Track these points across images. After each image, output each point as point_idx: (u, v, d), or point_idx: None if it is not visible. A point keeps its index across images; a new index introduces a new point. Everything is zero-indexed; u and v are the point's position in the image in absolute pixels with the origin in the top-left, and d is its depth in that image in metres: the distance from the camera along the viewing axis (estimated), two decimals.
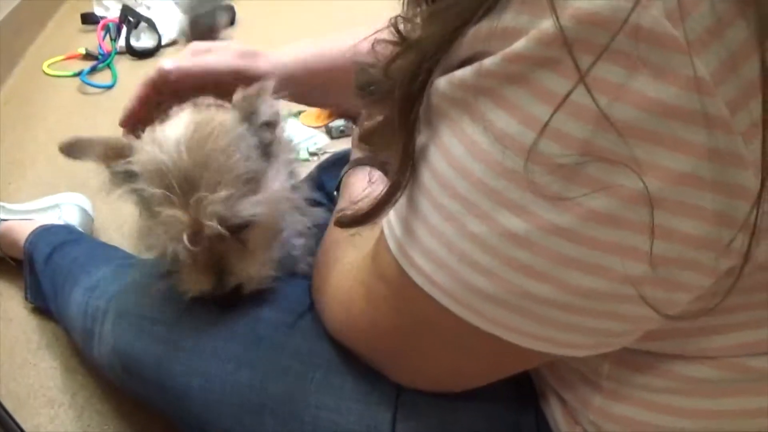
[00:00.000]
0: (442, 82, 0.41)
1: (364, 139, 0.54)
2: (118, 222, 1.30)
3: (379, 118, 0.49)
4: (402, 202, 0.46)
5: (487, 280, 0.41)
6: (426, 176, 0.43)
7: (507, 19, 0.36)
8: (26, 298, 1.12)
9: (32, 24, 2.07)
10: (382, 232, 0.50)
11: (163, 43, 1.97)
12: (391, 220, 0.48)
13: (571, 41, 0.33)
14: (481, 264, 0.40)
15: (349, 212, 0.50)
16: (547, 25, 0.34)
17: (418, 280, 0.45)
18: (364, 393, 0.60)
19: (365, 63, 0.49)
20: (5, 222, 1.18)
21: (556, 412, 0.56)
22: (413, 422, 0.59)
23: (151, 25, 1.98)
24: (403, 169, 0.44)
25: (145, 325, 0.70)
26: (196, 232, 0.63)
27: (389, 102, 0.44)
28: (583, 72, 0.33)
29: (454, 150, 0.40)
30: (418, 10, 0.45)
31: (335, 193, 0.79)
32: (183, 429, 0.73)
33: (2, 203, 1.24)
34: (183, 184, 0.63)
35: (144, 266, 0.81)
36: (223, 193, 0.63)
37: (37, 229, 1.11)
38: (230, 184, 0.63)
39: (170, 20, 2.02)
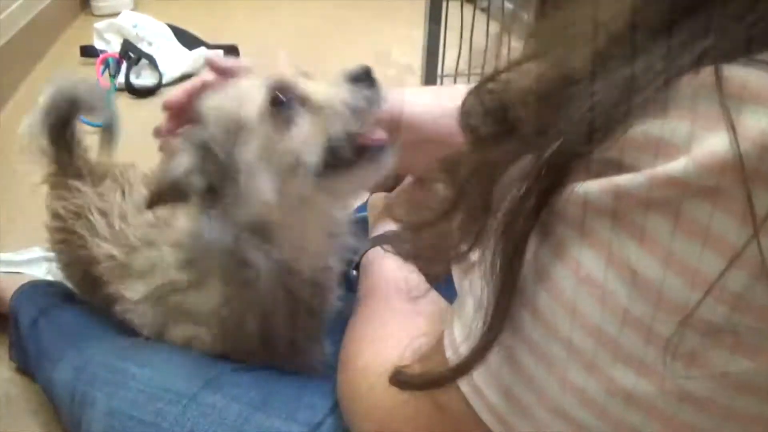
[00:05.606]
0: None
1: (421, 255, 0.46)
2: None
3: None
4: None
5: None
6: (527, 319, 0.36)
7: (656, 127, 0.29)
8: (10, 358, 1.05)
9: (28, 56, 2.02)
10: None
11: (164, 82, 1.91)
12: (476, 379, 0.39)
13: (751, 174, 0.26)
14: (579, 420, 0.34)
15: (416, 374, 0.42)
16: (718, 145, 0.26)
17: None
18: None
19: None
20: None
21: None
22: None
23: (153, 63, 1.93)
24: (499, 319, 0.36)
25: (137, 429, 0.62)
26: None
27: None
28: None
29: (562, 283, 0.33)
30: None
31: (353, 272, 0.72)
32: None
33: None
34: None
35: (139, 348, 0.74)
36: None
37: (24, 286, 1.05)
38: None
39: (172, 59, 1.98)
